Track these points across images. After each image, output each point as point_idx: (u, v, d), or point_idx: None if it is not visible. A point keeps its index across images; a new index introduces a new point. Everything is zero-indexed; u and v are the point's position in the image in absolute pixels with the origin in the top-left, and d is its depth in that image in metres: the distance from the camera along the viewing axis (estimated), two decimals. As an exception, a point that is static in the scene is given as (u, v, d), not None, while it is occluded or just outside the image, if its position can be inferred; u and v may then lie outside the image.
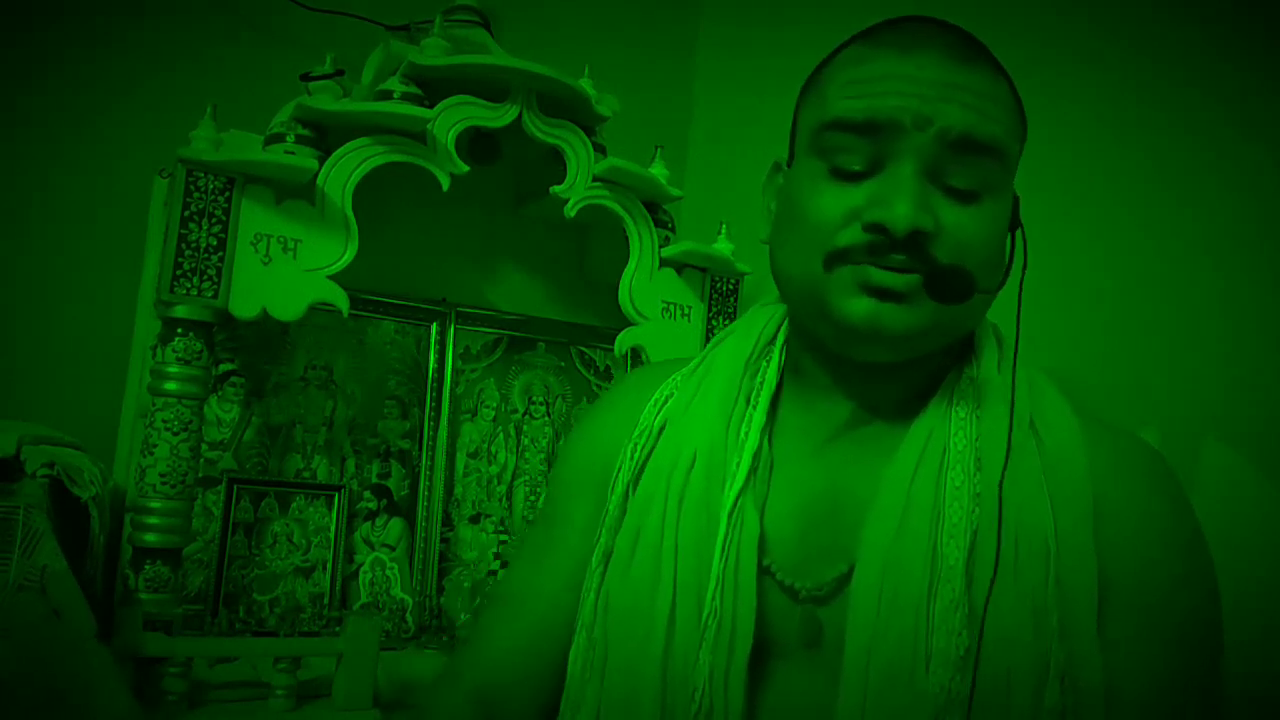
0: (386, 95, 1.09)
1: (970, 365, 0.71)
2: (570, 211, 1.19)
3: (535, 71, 1.13)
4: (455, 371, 1.34)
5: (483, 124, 1.13)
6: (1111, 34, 1.05)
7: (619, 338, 1.24)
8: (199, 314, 1.00)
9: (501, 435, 1.36)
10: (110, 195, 1.19)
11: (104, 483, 0.96)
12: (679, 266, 1.28)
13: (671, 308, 1.27)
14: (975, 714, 0.59)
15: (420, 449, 1.30)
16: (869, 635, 0.62)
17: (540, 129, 1.16)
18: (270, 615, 1.14)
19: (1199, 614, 0.65)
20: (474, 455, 1.34)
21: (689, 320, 1.28)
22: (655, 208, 1.26)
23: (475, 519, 1.32)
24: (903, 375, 0.70)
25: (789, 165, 0.74)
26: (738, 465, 0.69)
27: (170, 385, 1.00)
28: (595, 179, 1.20)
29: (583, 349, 1.44)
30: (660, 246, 1.25)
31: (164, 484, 0.99)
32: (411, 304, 1.33)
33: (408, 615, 1.24)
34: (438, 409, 1.32)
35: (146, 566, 0.99)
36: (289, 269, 1.03)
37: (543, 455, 1.38)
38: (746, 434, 0.71)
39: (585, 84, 1.19)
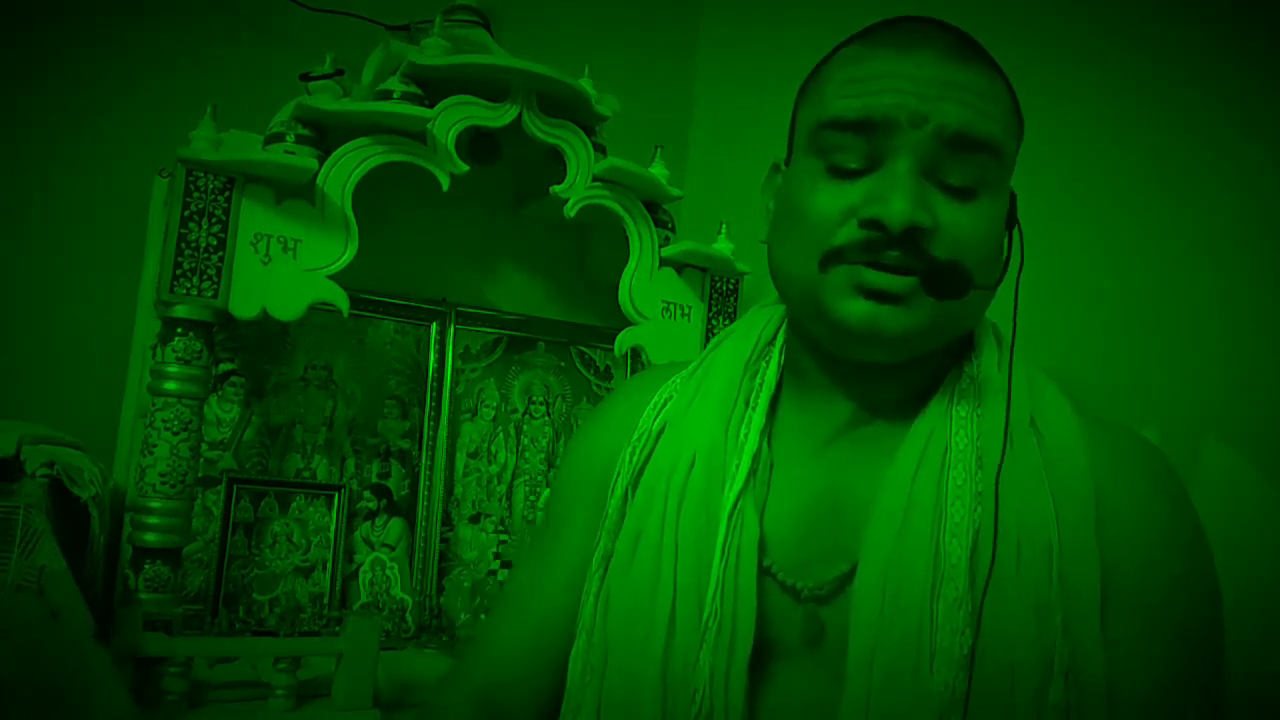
0: (386, 95, 1.09)
1: (970, 364, 0.71)
2: (570, 211, 1.19)
3: (535, 71, 1.13)
4: (455, 371, 1.34)
5: (483, 124, 1.13)
6: (1111, 34, 1.05)
7: (619, 338, 1.24)
8: (199, 314, 1.00)
9: (501, 435, 1.36)
10: (110, 195, 1.19)
11: (104, 483, 0.96)
12: (679, 266, 1.28)
13: (671, 307, 1.27)
14: (980, 712, 0.59)
15: (420, 449, 1.30)
16: (872, 634, 0.62)
17: (540, 129, 1.16)
18: (270, 615, 1.14)
19: (1200, 613, 0.65)
20: (474, 455, 1.34)
21: (689, 320, 1.28)
22: (655, 208, 1.26)
23: (475, 519, 1.32)
24: (902, 375, 0.70)
25: (787, 165, 0.74)
26: (737, 467, 0.69)
27: (170, 385, 1.00)
28: (595, 179, 1.20)
29: (583, 349, 1.44)
30: (660, 246, 1.25)
31: (164, 484, 0.99)
32: (411, 304, 1.33)
33: (408, 615, 1.24)
34: (438, 409, 1.32)
35: (146, 566, 0.99)
36: (289, 269, 1.03)
37: (543, 455, 1.38)
38: (746, 435, 0.71)
39: (585, 84, 1.19)
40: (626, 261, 1.24)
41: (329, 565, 1.20)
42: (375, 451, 1.28)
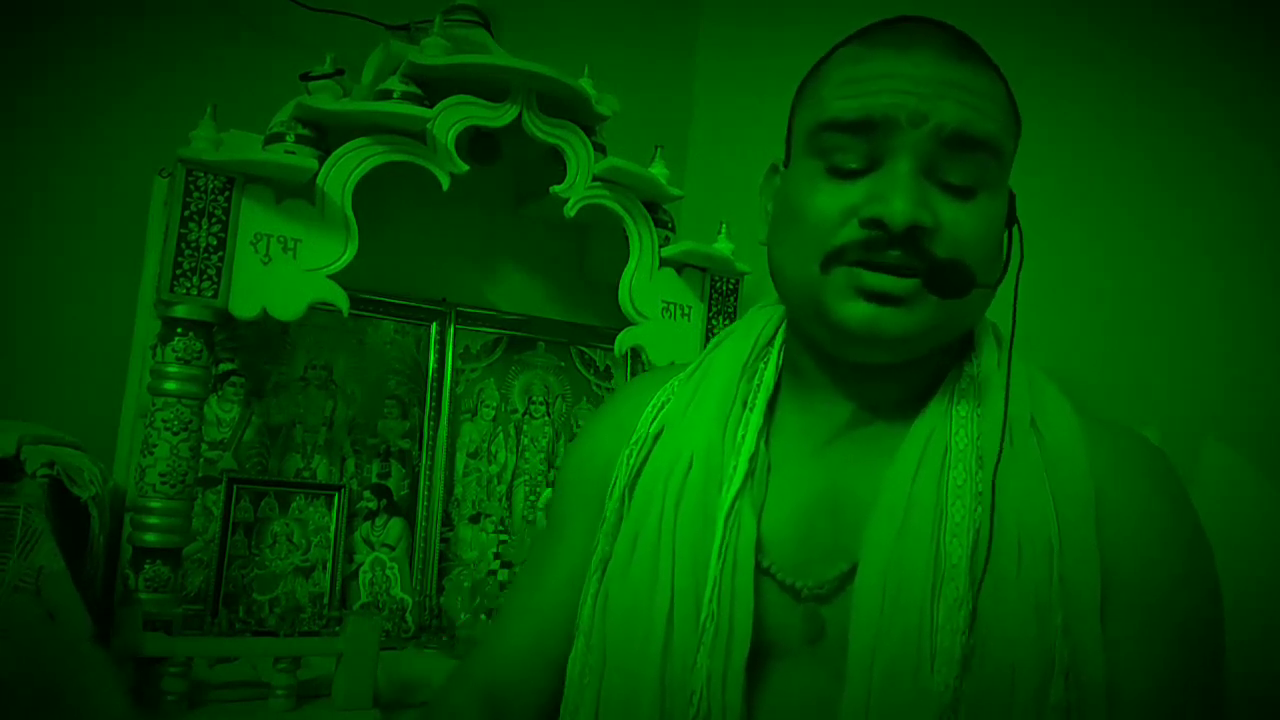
0: (386, 95, 1.09)
1: (970, 364, 0.71)
2: (570, 211, 1.19)
3: (535, 71, 1.13)
4: (455, 371, 1.34)
5: (483, 124, 1.13)
6: (1111, 34, 1.05)
7: (619, 338, 1.24)
8: (199, 314, 1.00)
9: (501, 435, 1.36)
10: (110, 195, 1.19)
11: (104, 483, 0.96)
12: (679, 266, 1.28)
13: (671, 307, 1.27)
14: (980, 712, 0.59)
15: (420, 449, 1.30)
16: (873, 634, 0.62)
17: (540, 129, 1.16)
18: (270, 615, 1.14)
19: (1200, 613, 0.65)
20: (474, 455, 1.34)
21: (689, 320, 1.28)
22: (655, 207, 1.26)
23: (475, 519, 1.32)
24: (902, 375, 0.70)
25: (785, 167, 0.74)
26: (734, 468, 0.69)
27: (170, 385, 1.00)
28: (595, 179, 1.20)
29: (583, 349, 1.44)
30: (660, 246, 1.25)
31: (164, 484, 0.99)
32: (411, 304, 1.33)
33: (408, 615, 1.24)
34: (438, 409, 1.32)
35: (146, 566, 0.99)
36: (289, 269, 1.03)
37: (543, 455, 1.38)
38: (743, 436, 0.71)
39: (585, 84, 1.19)
40: (626, 261, 1.24)
41: (329, 565, 1.20)
42: (375, 451, 1.28)
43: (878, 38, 0.67)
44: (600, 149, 1.21)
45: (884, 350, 0.66)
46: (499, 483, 1.35)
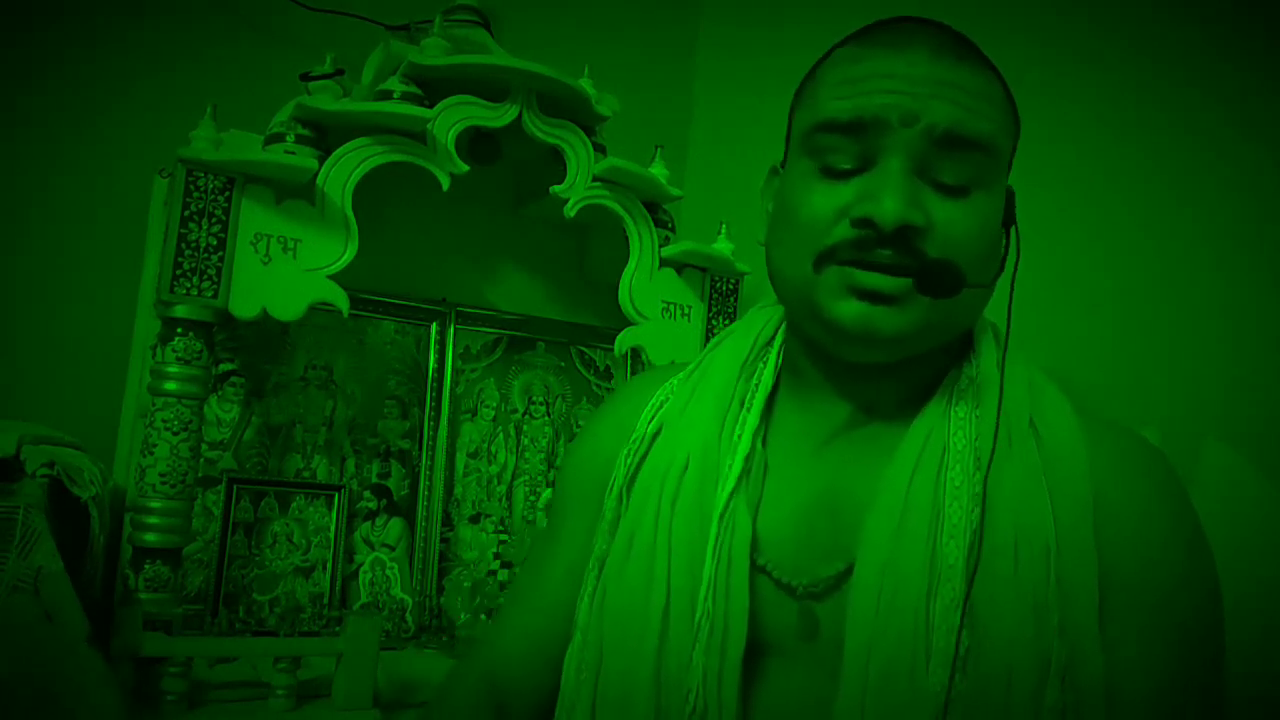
0: (386, 95, 1.09)
1: (969, 364, 0.71)
2: (570, 211, 1.19)
3: (535, 71, 1.13)
4: (455, 371, 1.34)
5: (483, 124, 1.13)
6: (1111, 34, 1.05)
7: (619, 338, 1.24)
8: (199, 314, 1.00)
9: (501, 435, 1.36)
10: (110, 195, 1.19)
11: (104, 483, 0.96)
12: (679, 266, 1.28)
13: (671, 307, 1.27)
14: (976, 712, 0.59)
15: (420, 449, 1.30)
16: (868, 634, 0.62)
17: (540, 129, 1.16)
18: (270, 615, 1.14)
19: (1200, 613, 0.65)
20: (474, 455, 1.34)
21: (689, 320, 1.28)
22: (655, 208, 1.26)
23: (475, 519, 1.32)
24: (900, 375, 0.70)
25: (783, 168, 0.74)
26: (730, 467, 0.70)
27: (170, 385, 1.00)
28: (595, 179, 1.20)
29: (583, 349, 1.44)
30: (660, 246, 1.25)
31: (164, 484, 0.99)
32: (411, 304, 1.33)
33: (408, 615, 1.24)
34: (438, 409, 1.32)
35: (146, 566, 0.99)
36: (289, 269, 1.03)
37: (543, 455, 1.38)
38: (740, 436, 0.71)
39: (585, 84, 1.19)
40: (626, 261, 1.24)
41: (329, 565, 1.20)
42: (375, 451, 1.28)
43: (874, 38, 0.67)
44: (600, 149, 1.21)
45: (879, 349, 0.66)
46: (499, 483, 1.35)
